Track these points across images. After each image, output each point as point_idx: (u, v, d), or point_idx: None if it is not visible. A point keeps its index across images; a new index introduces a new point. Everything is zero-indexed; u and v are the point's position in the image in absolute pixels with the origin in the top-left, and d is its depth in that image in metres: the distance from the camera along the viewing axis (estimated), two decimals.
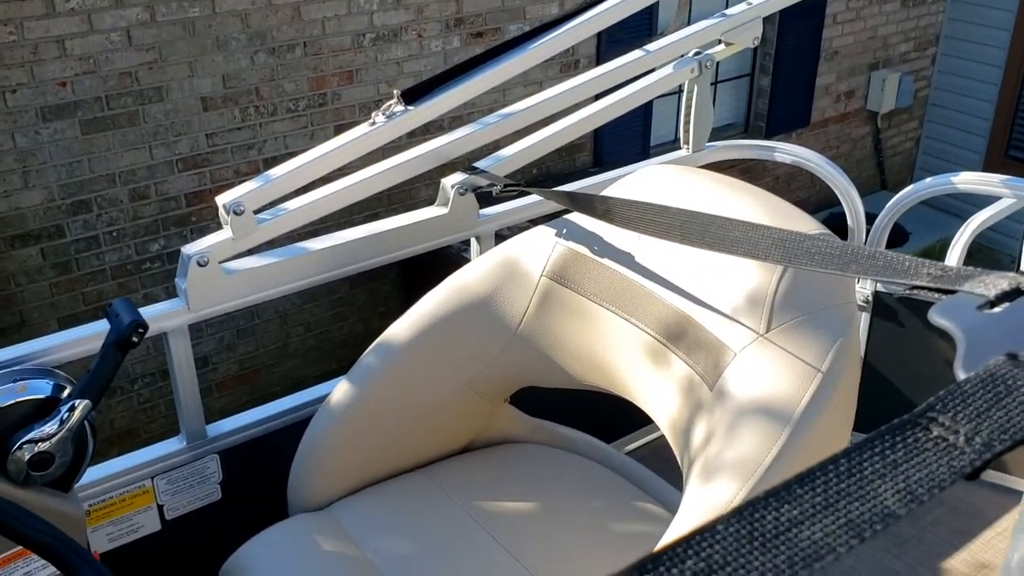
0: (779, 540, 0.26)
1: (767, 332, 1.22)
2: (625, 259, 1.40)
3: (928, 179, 2.03)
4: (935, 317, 0.43)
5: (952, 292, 0.44)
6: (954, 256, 2.40)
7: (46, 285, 3.84)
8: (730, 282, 1.27)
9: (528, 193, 1.63)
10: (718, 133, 5.71)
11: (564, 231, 1.47)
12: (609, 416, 1.84)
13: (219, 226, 1.53)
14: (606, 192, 1.49)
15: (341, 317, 4.86)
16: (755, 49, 5.80)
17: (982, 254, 5.68)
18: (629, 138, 5.25)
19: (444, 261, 3.64)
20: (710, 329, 1.27)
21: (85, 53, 3.61)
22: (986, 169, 5.22)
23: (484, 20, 4.62)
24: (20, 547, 1.30)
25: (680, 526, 1.13)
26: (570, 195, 1.43)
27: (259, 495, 1.64)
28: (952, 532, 2.14)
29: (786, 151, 2.05)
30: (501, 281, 1.51)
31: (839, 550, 0.26)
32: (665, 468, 1.66)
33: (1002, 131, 5.96)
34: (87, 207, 3.84)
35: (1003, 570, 1.82)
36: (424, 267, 4.02)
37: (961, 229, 2.41)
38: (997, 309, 0.41)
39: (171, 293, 1.56)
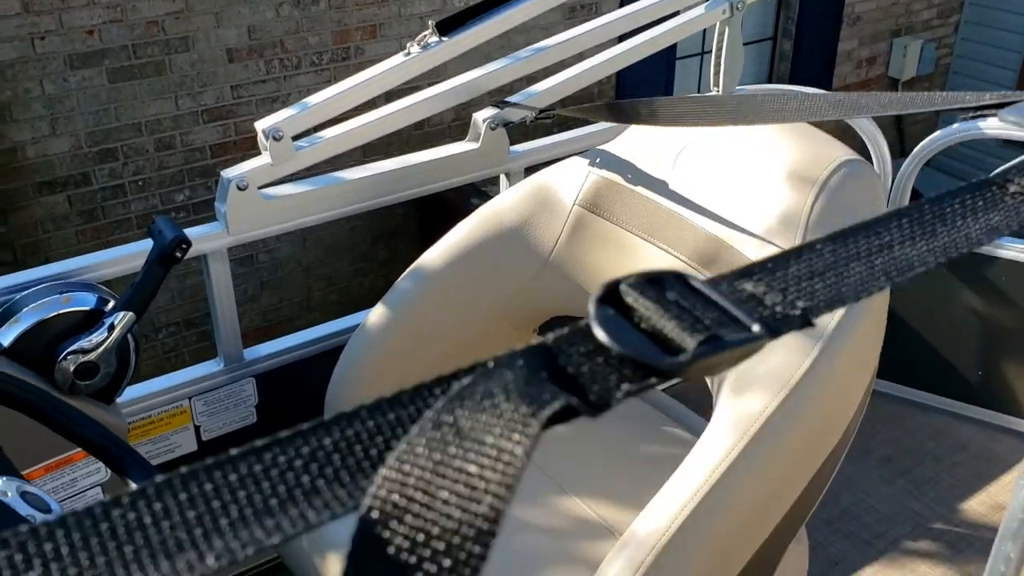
0: (873, 256, 0.29)
1: None
2: (658, 186, 1.42)
3: (956, 124, 2.04)
4: (1007, 116, 0.46)
5: (1016, 102, 0.47)
6: None
7: (72, 232, 3.89)
8: (764, 204, 1.29)
9: (566, 118, 1.64)
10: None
11: (597, 160, 1.49)
12: None
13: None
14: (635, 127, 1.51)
15: (362, 272, 4.90)
16: (778, 12, 5.77)
17: None
18: (651, 93, 5.24)
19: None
20: (744, 252, 1.29)
21: (113, 2, 3.63)
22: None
23: None
24: (65, 455, 1.34)
25: (710, 437, 1.16)
26: (609, 106, 1.45)
27: (294, 419, 1.68)
28: (971, 475, 2.16)
29: (801, 91, 2.05)
30: (533, 210, 1.53)
31: (929, 263, 0.28)
32: (692, 406, 1.68)
33: None
34: (113, 156, 3.87)
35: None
36: (443, 225, 4.06)
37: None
38: None
39: None
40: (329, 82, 4.32)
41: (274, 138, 1.51)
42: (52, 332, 1.27)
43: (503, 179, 1.83)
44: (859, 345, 1.22)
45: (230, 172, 1.52)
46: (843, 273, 0.27)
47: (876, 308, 1.25)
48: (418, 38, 1.62)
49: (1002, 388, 2.25)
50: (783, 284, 0.27)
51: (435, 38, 1.62)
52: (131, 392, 1.54)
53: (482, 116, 1.74)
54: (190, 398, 1.61)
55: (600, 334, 0.25)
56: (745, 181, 1.33)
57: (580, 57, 1.81)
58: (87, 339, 1.27)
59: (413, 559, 0.20)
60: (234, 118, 4.13)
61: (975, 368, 2.25)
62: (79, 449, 1.29)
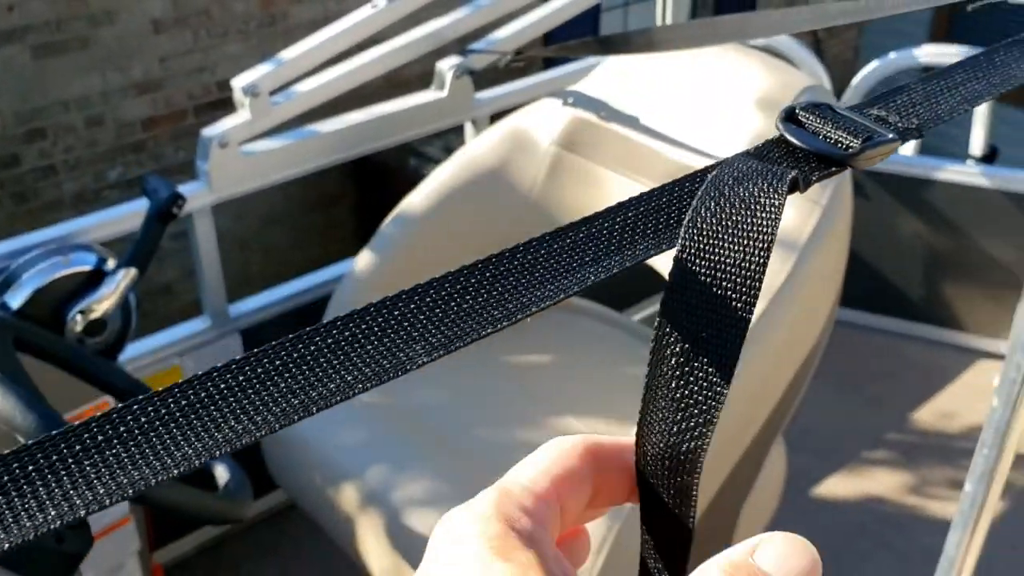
0: (951, 91, 0.36)
1: None
2: (631, 122, 1.48)
3: (892, 54, 2.15)
4: None
5: None
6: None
7: (4, 216, 3.79)
8: (736, 131, 1.37)
9: (533, 59, 1.68)
10: None
11: (570, 100, 1.55)
12: (619, 287, 1.94)
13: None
14: (604, 64, 1.57)
15: (301, 242, 4.88)
16: None
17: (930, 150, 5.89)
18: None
19: (403, 182, 3.69)
20: None
21: None
22: None
23: None
24: (94, 404, 1.35)
25: None
26: (600, 41, 1.49)
27: None
28: (920, 388, 2.31)
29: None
30: (511, 153, 1.58)
31: (993, 93, 0.36)
32: None
33: (941, 32, 6.15)
34: (42, 135, 3.78)
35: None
36: (381, 190, 4.06)
37: None
38: None
39: None
40: (256, 49, 4.27)
41: (252, 94, 1.53)
42: (59, 293, 1.28)
43: (468, 127, 1.88)
44: (830, 250, 1.31)
45: (210, 130, 1.54)
46: (935, 103, 0.35)
47: (841, 229, 1.34)
48: None
49: (943, 306, 2.40)
50: (898, 110, 0.34)
51: None
52: (123, 353, 1.56)
53: (447, 64, 1.78)
54: (180, 355, 1.63)
55: (792, 139, 0.32)
56: (716, 111, 1.40)
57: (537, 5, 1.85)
58: (95, 296, 1.28)
59: (713, 281, 0.27)
60: (163, 91, 4.06)
61: (918, 289, 2.39)
62: (105, 398, 1.31)
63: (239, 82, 1.54)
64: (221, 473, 1.01)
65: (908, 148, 2.54)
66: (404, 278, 1.56)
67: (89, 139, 3.90)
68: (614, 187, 1.50)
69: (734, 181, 0.29)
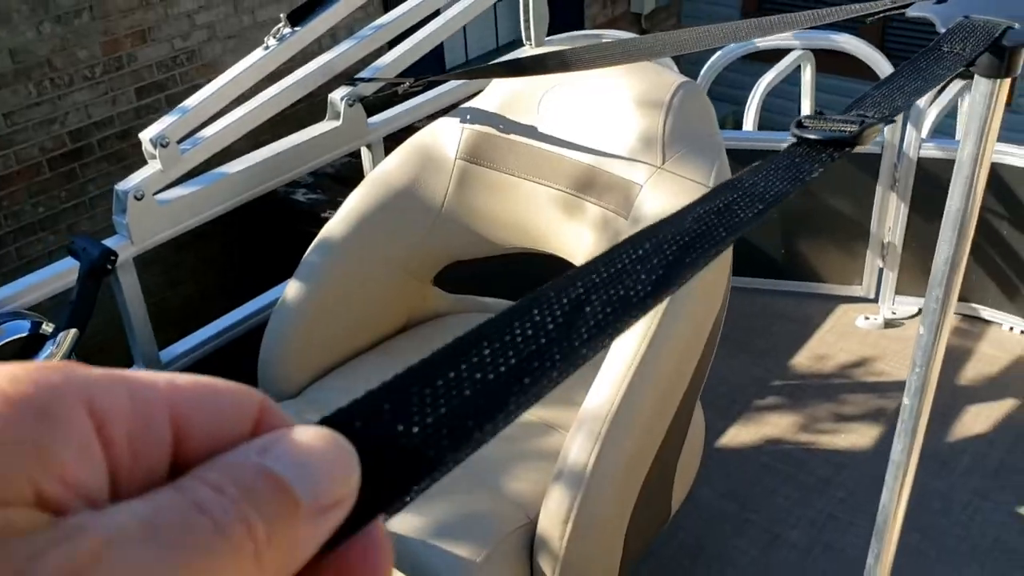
0: (898, 92, 0.51)
1: (663, 164, 1.49)
2: (529, 131, 1.62)
3: (731, 45, 2.37)
4: (913, 12, 0.70)
5: (908, 5, 0.71)
6: (750, 119, 2.80)
7: None
8: (624, 130, 1.53)
9: (446, 80, 1.79)
10: (504, 49, 5.99)
11: (468, 116, 1.68)
12: (524, 284, 2.08)
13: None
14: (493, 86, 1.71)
15: (174, 281, 4.81)
16: None
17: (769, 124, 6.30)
18: (432, 53, 5.42)
19: (273, 212, 3.72)
20: (616, 172, 1.52)
21: None
22: None
23: None
24: None
25: None
26: (512, 63, 1.62)
27: None
28: (793, 337, 2.56)
29: (613, 36, 2.33)
30: (418, 169, 1.70)
31: (923, 91, 0.52)
32: None
33: (751, 14, 6.59)
34: None
35: None
36: (250, 223, 4.06)
37: (751, 94, 2.80)
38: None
39: None
40: (106, 94, 4.19)
41: (161, 145, 1.59)
42: None
43: (364, 152, 1.98)
44: None
45: (124, 184, 1.58)
46: (892, 99, 0.50)
47: None
48: (272, 31, 1.73)
49: (802, 261, 2.66)
50: (870, 107, 0.49)
51: (288, 29, 1.74)
52: None
53: (338, 95, 1.87)
54: None
55: (811, 135, 0.46)
56: (603, 113, 1.56)
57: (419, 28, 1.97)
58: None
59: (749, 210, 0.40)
60: (13, 147, 3.94)
61: (779, 248, 2.64)
62: None
63: (147, 134, 1.59)
64: None
65: (749, 126, 2.79)
66: (331, 301, 1.67)
67: None
68: (521, 192, 1.64)
69: (776, 166, 0.43)
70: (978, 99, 0.74)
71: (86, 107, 4.12)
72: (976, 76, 0.69)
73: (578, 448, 1.33)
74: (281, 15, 1.74)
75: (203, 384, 0.23)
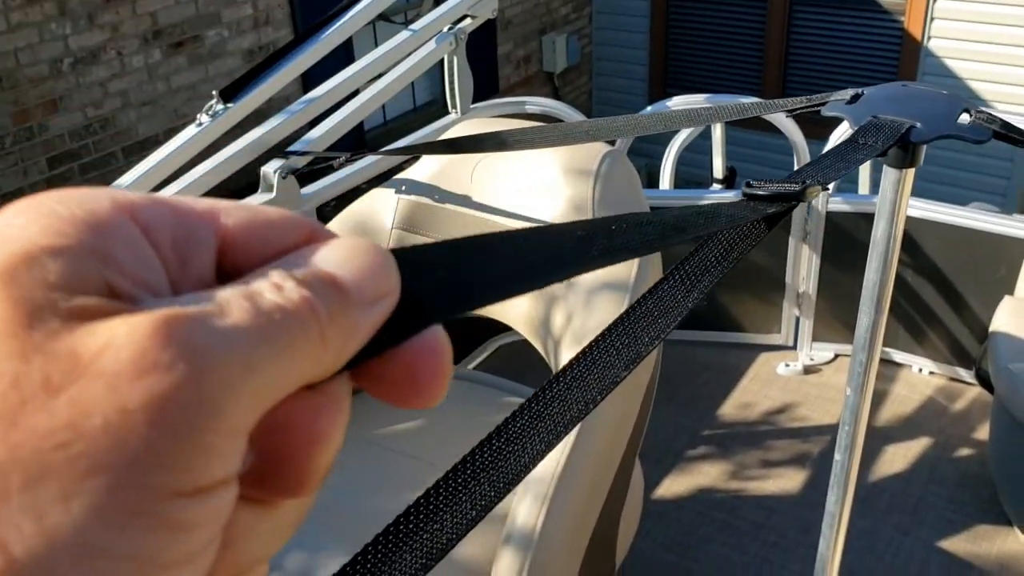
0: (829, 162, 0.58)
1: None
2: (463, 200, 1.67)
3: (649, 108, 2.48)
4: (828, 112, 0.78)
5: (823, 104, 0.78)
6: (666, 177, 2.91)
7: None
8: (555, 197, 1.59)
9: (385, 153, 1.83)
10: (421, 111, 6.08)
11: (403, 188, 1.72)
12: (462, 349, 2.11)
13: None
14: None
15: None
16: None
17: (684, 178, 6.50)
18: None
19: None
20: None
21: None
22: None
23: (182, 29, 4.62)
24: None
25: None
26: (449, 142, 1.66)
27: None
28: (718, 386, 2.64)
29: (535, 103, 2.42)
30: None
31: (846, 170, 0.59)
32: (516, 378, 1.96)
33: (659, 72, 6.84)
34: None
35: None
36: None
37: (666, 152, 2.92)
38: (854, 103, 0.77)
39: None
40: (16, 165, 4.11)
41: None
42: None
43: None
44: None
45: None
46: (826, 169, 0.57)
47: (655, 262, 1.60)
48: (205, 108, 1.75)
49: (724, 312, 2.76)
50: (809, 175, 0.56)
51: (221, 106, 1.76)
52: None
53: (271, 168, 1.90)
54: None
55: (760, 191, 0.51)
56: (535, 182, 1.62)
57: (346, 100, 2.01)
58: None
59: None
60: None
61: (701, 301, 2.73)
62: None
63: None
64: None
65: (665, 184, 2.91)
66: None
67: None
68: None
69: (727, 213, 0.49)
70: (887, 186, 0.82)
71: None
72: (885, 167, 0.77)
73: (526, 510, 1.36)
74: (214, 92, 1.76)
75: (248, 207, 0.25)
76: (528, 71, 6.85)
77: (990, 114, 0.77)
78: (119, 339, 0.19)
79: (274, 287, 0.22)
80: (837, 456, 1.01)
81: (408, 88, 6.18)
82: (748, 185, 0.53)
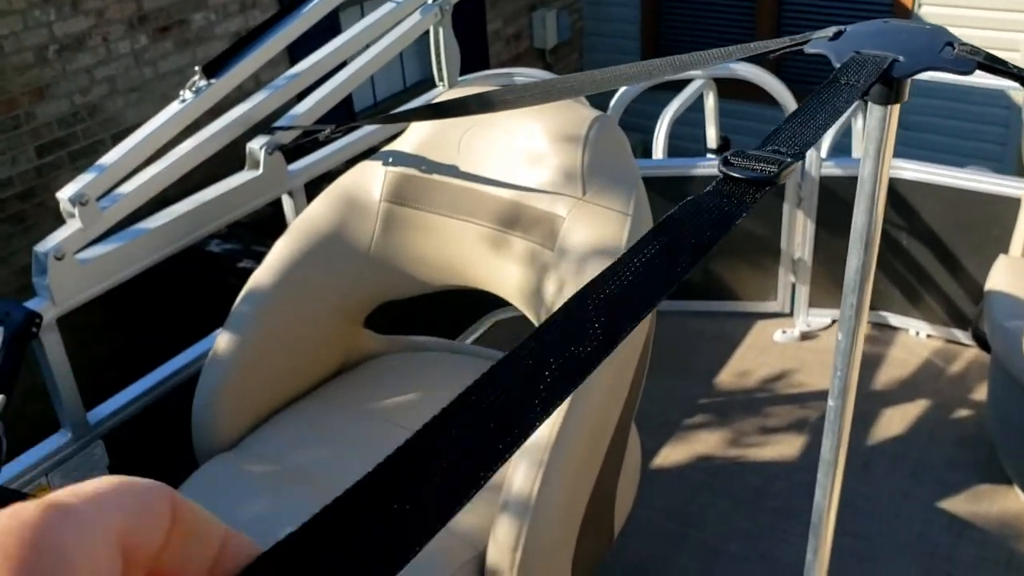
0: (806, 126, 0.56)
1: (584, 196, 1.54)
2: (451, 171, 1.65)
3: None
4: (810, 49, 0.76)
5: (806, 42, 0.77)
6: (659, 146, 2.89)
7: None
8: (544, 165, 1.57)
9: (361, 126, 1.81)
10: (412, 91, 6.04)
11: (390, 159, 1.70)
12: (448, 318, 2.10)
13: None
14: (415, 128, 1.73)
15: (88, 342, 4.66)
16: None
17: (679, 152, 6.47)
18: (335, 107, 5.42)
19: (197, 268, 3.67)
20: (539, 207, 1.56)
21: None
22: None
23: (168, 14, 4.58)
24: None
25: None
26: (434, 107, 1.64)
27: (153, 468, 1.74)
28: (714, 355, 2.63)
29: (524, 74, 2.39)
30: (344, 214, 1.71)
31: (828, 125, 0.57)
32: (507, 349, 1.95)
33: (651, 47, 6.79)
34: None
35: None
36: (171, 278, 3.99)
37: (659, 121, 2.89)
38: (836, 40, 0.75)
39: None
40: (4, 154, 4.08)
41: (80, 203, 1.57)
42: None
43: (286, 200, 1.98)
44: None
45: (43, 245, 1.55)
46: (802, 134, 0.55)
47: (646, 220, 1.58)
48: (188, 84, 1.73)
49: (719, 281, 2.74)
50: (785, 144, 0.54)
51: (204, 82, 1.74)
52: None
53: (257, 144, 1.88)
54: (47, 475, 1.62)
55: (736, 174, 0.50)
56: (523, 150, 1.60)
57: (332, 73, 1.99)
58: None
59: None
60: None
61: (697, 271, 2.72)
62: None
63: (65, 193, 1.57)
64: None
65: (659, 154, 2.89)
66: (266, 352, 1.66)
67: None
68: (447, 231, 1.67)
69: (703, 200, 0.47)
70: (873, 124, 0.81)
71: None
72: (870, 104, 0.76)
73: (522, 477, 1.35)
74: (196, 67, 1.74)
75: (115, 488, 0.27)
76: (519, 48, 6.80)
77: (974, 46, 0.75)
78: None
79: None
80: (830, 402, 1.00)
81: (398, 67, 6.15)
82: (726, 163, 0.52)
